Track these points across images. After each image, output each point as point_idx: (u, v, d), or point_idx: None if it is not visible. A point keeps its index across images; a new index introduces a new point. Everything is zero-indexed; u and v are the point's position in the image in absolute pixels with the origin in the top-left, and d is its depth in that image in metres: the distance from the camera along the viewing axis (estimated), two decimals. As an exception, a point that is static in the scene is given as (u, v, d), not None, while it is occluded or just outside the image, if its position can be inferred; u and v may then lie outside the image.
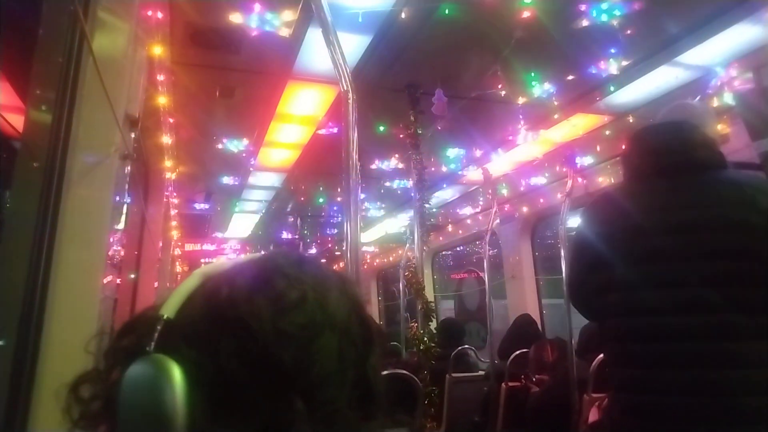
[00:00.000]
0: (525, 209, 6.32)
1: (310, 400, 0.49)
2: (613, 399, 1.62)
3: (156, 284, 4.89)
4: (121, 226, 2.18)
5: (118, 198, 1.78)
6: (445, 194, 6.79)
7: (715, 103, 3.72)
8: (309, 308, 0.52)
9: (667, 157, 1.56)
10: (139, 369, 0.47)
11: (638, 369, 1.49)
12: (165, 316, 0.50)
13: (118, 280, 3.13)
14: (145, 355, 0.47)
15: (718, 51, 3.28)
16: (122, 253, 3.16)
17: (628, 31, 3.08)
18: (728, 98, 3.62)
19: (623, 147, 1.75)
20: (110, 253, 1.75)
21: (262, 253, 0.61)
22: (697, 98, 3.41)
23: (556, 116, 4.24)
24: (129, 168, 1.90)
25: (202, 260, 10.65)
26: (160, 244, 5.10)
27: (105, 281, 1.66)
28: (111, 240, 1.73)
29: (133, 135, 1.91)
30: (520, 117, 4.31)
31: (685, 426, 1.37)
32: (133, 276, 4.29)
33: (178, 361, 0.46)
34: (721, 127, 3.85)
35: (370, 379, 0.57)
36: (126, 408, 0.46)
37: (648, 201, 1.55)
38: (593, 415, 2.83)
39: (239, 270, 0.55)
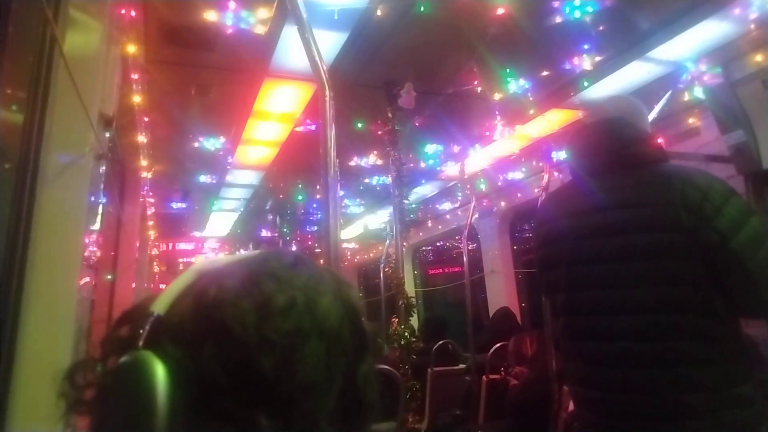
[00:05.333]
0: (503, 204, 6.39)
1: (289, 411, 0.48)
2: (571, 392, 1.68)
3: (134, 285, 4.84)
4: (97, 226, 2.15)
5: (93, 198, 1.76)
6: (423, 190, 6.82)
7: (686, 97, 3.81)
8: (296, 314, 0.51)
9: (601, 156, 1.58)
10: (125, 363, 0.46)
11: (583, 365, 1.54)
12: (155, 313, 0.50)
13: (95, 282, 3.09)
14: (133, 350, 0.47)
15: (688, 46, 3.35)
16: (99, 253, 3.12)
17: (601, 28, 3.13)
18: (698, 93, 3.70)
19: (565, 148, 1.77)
20: (86, 254, 1.73)
21: (257, 252, 0.59)
22: (668, 93, 3.48)
23: (531, 112, 4.29)
24: (104, 168, 1.88)
25: (180, 260, 10.55)
26: (137, 244, 5.05)
27: (81, 282, 1.64)
28: (87, 241, 1.71)
29: (107, 134, 1.89)
30: (497, 113, 4.34)
31: (627, 421, 1.41)
32: (110, 277, 4.23)
33: (163, 359, 0.46)
34: (692, 121, 3.97)
35: (360, 389, 0.55)
36: (111, 400, 0.47)
37: (585, 202, 1.57)
38: (573, 405, 2.88)
39: (230, 270, 0.54)
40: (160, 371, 0.45)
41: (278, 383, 0.48)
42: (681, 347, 1.37)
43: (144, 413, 0.44)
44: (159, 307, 0.50)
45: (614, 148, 1.56)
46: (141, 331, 0.48)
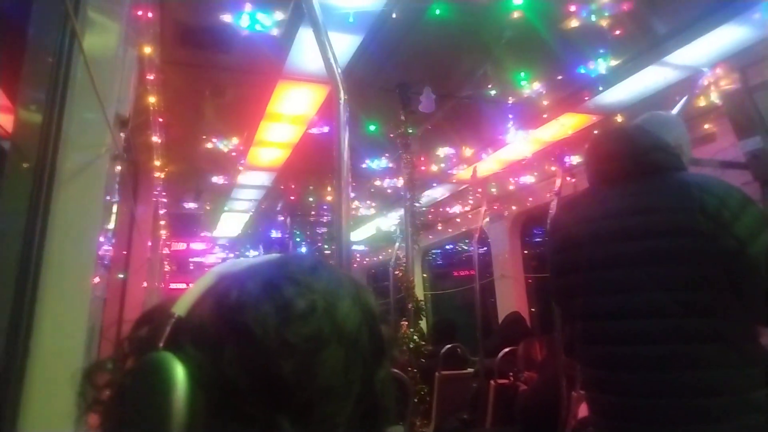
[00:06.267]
0: (514, 208, 6.36)
1: (308, 415, 0.48)
2: (587, 397, 1.67)
3: (145, 284, 4.87)
4: (111, 225, 2.17)
5: (108, 198, 1.77)
6: (435, 193, 6.81)
7: (702, 102, 3.77)
8: (317, 318, 0.51)
9: (619, 162, 1.59)
10: (145, 364, 0.46)
11: (601, 370, 1.53)
12: (176, 315, 0.50)
13: (108, 280, 3.12)
14: (154, 351, 0.47)
15: (705, 51, 3.32)
16: (112, 252, 3.15)
17: (617, 32, 3.11)
18: (715, 98, 3.66)
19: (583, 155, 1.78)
20: (100, 253, 1.75)
21: (277, 255, 0.59)
22: (684, 98, 3.45)
23: (545, 116, 4.27)
24: (119, 168, 1.89)
25: (191, 259, 10.62)
26: (149, 244, 5.08)
27: (95, 281, 1.65)
28: (101, 240, 1.73)
29: (123, 135, 1.91)
30: (510, 116, 4.33)
31: (644, 425, 1.41)
32: (122, 275, 4.27)
33: (183, 360, 0.46)
34: (708, 126, 3.92)
35: (377, 394, 0.55)
36: (131, 401, 0.47)
37: (603, 207, 1.58)
38: (583, 411, 2.86)
39: (251, 273, 0.54)
40: (180, 372, 0.45)
41: (298, 387, 0.48)
42: (700, 351, 1.37)
43: (163, 414, 0.44)
44: (180, 308, 0.50)
45: (632, 155, 1.57)
46: (161, 332, 0.48)
